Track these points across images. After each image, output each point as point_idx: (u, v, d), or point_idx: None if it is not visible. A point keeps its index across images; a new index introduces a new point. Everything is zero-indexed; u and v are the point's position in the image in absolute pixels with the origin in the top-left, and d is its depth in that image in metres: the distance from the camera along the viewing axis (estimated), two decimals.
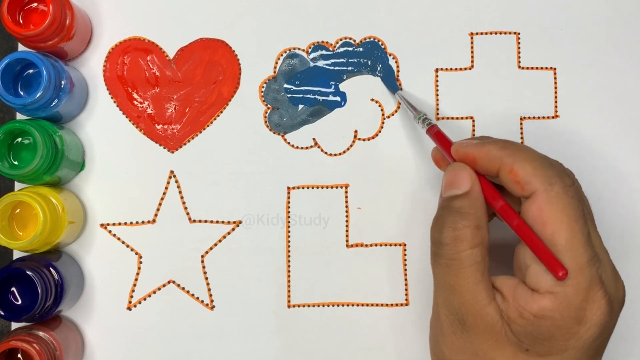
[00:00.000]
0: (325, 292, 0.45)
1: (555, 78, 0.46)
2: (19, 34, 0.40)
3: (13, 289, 0.41)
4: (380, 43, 0.46)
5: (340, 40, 0.46)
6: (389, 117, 0.46)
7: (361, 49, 0.46)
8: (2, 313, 0.39)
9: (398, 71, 0.46)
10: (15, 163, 0.41)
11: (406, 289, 0.45)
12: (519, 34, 0.46)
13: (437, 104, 0.46)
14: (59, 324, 0.42)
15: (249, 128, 0.46)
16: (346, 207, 0.45)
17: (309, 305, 0.45)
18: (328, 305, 0.45)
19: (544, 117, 0.46)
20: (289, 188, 0.45)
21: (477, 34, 0.46)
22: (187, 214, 0.45)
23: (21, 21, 0.42)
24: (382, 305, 0.45)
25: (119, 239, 0.45)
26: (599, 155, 0.46)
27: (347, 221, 0.45)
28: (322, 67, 0.46)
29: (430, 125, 0.41)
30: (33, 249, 0.41)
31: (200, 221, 0.45)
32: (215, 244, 0.45)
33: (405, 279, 0.45)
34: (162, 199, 0.45)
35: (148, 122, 0.46)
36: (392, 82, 0.45)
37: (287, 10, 0.46)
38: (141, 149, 0.45)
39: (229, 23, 0.46)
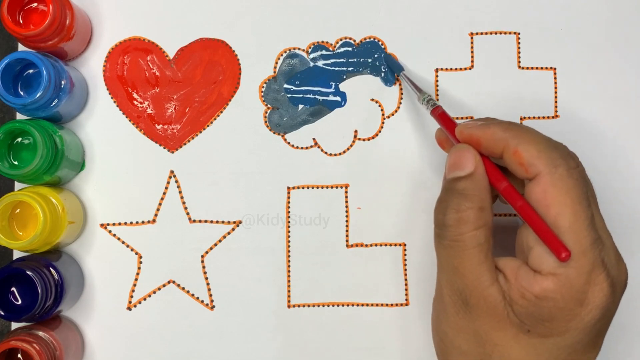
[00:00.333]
0: (325, 292, 0.45)
1: (555, 78, 0.46)
2: (19, 34, 0.40)
3: (13, 289, 0.41)
4: (380, 43, 0.46)
5: (340, 40, 0.46)
6: (389, 117, 0.46)
7: (361, 49, 0.46)
8: (2, 313, 0.39)
9: None
10: (15, 163, 0.41)
11: (406, 289, 0.45)
12: (519, 34, 0.46)
13: None
14: (59, 324, 0.42)
15: (249, 128, 0.46)
16: (346, 207, 0.45)
17: (309, 305, 0.45)
18: (328, 305, 0.45)
19: (544, 117, 0.46)
20: (289, 188, 0.45)
21: (477, 34, 0.46)
22: (187, 214, 0.45)
23: (21, 21, 0.42)
24: (382, 305, 0.45)
25: (119, 239, 0.45)
26: (599, 155, 0.46)
27: (347, 221, 0.45)
28: (322, 67, 0.46)
29: (435, 107, 0.40)
30: (33, 249, 0.41)
31: (200, 221, 0.45)
32: (215, 244, 0.45)
33: (405, 279, 0.45)
34: (162, 199, 0.45)
35: (148, 122, 0.46)
36: (396, 63, 0.45)
37: (287, 10, 0.46)
38: (141, 149, 0.45)
39: (229, 23, 0.46)
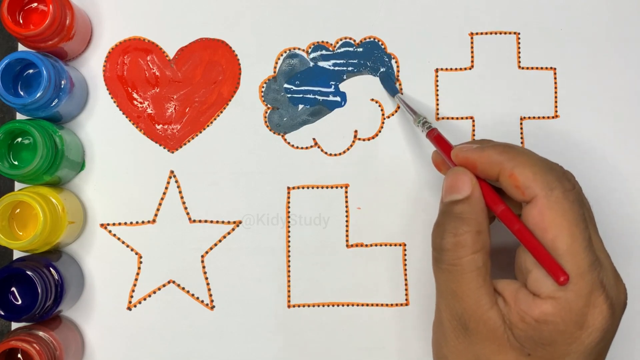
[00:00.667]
0: (325, 292, 0.45)
1: (555, 78, 0.46)
2: (19, 34, 0.40)
3: (13, 289, 0.41)
4: (380, 43, 0.46)
5: (340, 40, 0.46)
6: (389, 117, 0.46)
7: (361, 49, 0.46)
8: (2, 313, 0.39)
9: (398, 71, 0.46)
10: (15, 163, 0.41)
11: (406, 289, 0.45)
12: (519, 34, 0.46)
13: (437, 104, 0.46)
14: (59, 324, 0.42)
15: (249, 128, 0.46)
16: (346, 207, 0.45)
17: (309, 305, 0.45)
18: (328, 305, 0.45)
19: (544, 117, 0.46)
20: (289, 188, 0.45)
21: (477, 34, 0.46)
22: (187, 214, 0.45)
23: (21, 21, 0.42)
24: (382, 305, 0.45)
25: (119, 239, 0.45)
26: (599, 155, 0.46)
27: (347, 221, 0.45)
28: (322, 67, 0.46)
29: (430, 129, 0.40)
30: (33, 249, 0.41)
31: (200, 221, 0.45)
32: (215, 244, 0.45)
33: (405, 279, 0.45)
34: (162, 199, 0.45)
35: (148, 122, 0.46)
36: (391, 85, 0.45)
37: (287, 10, 0.46)
38: (141, 149, 0.45)
39: (229, 23, 0.46)
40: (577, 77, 0.46)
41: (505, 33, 0.46)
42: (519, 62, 0.46)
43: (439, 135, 0.40)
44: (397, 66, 0.46)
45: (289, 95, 0.46)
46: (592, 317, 0.32)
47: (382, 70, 0.46)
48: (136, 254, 0.45)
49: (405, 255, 0.45)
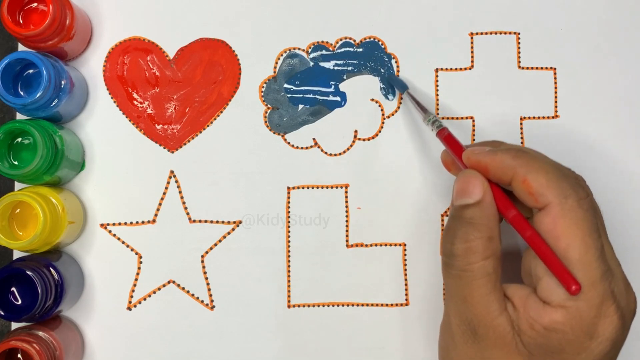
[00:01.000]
0: (325, 292, 0.45)
1: (555, 78, 0.46)
2: (19, 34, 0.40)
3: (13, 289, 0.41)
4: (380, 43, 0.46)
5: (340, 40, 0.46)
6: (389, 117, 0.46)
7: (361, 49, 0.46)
8: (2, 313, 0.39)
9: (398, 71, 0.46)
10: (15, 163, 0.41)
11: (406, 289, 0.45)
12: (519, 34, 0.46)
13: (437, 104, 0.46)
14: (59, 324, 0.42)
15: (249, 128, 0.46)
16: (346, 207, 0.45)
17: (309, 305, 0.45)
18: (328, 305, 0.45)
19: (544, 117, 0.46)
20: (289, 188, 0.45)
21: (477, 34, 0.46)
22: (187, 214, 0.45)
23: (21, 21, 0.42)
24: (382, 305, 0.45)
25: (119, 239, 0.45)
26: (599, 155, 0.46)
27: (347, 221, 0.45)
28: (322, 67, 0.46)
29: (441, 128, 0.40)
30: (33, 249, 0.41)
31: (200, 221, 0.45)
32: (215, 244, 0.45)
33: (405, 279, 0.45)
34: (162, 199, 0.45)
35: (148, 122, 0.46)
36: (400, 81, 0.45)
37: (287, 10, 0.46)
38: (141, 149, 0.45)
39: (229, 23, 0.46)
40: (577, 77, 0.46)
41: (505, 33, 0.46)
42: (519, 62, 0.46)
43: (449, 135, 0.39)
44: (397, 66, 0.46)
45: (289, 95, 0.46)
46: (602, 328, 0.32)
47: (386, 73, 0.46)
48: (136, 254, 0.45)
49: (405, 255, 0.45)
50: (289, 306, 0.45)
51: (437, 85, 0.46)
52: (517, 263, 0.38)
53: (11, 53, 0.40)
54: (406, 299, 0.45)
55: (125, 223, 0.45)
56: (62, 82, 0.41)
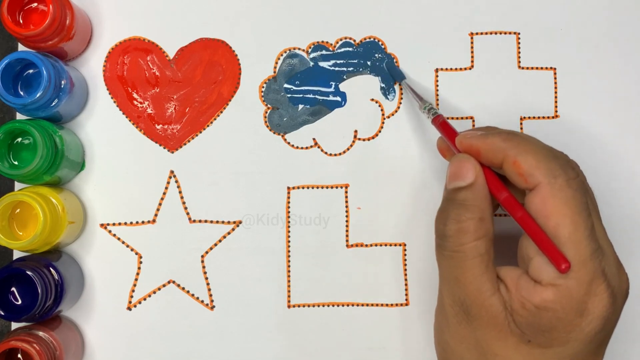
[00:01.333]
0: (325, 292, 0.45)
1: (555, 78, 0.46)
2: (19, 34, 0.40)
3: (13, 289, 0.41)
4: (380, 43, 0.46)
5: (340, 40, 0.46)
6: (389, 117, 0.46)
7: (361, 49, 0.46)
8: (2, 313, 0.39)
9: None
10: (15, 163, 0.41)
11: (406, 289, 0.45)
12: (519, 34, 0.46)
13: (437, 104, 0.46)
14: (59, 324, 0.42)
15: (249, 128, 0.46)
16: (346, 207, 0.45)
17: (309, 305, 0.45)
18: (328, 305, 0.45)
19: (544, 117, 0.46)
20: (289, 188, 0.45)
21: (477, 34, 0.46)
22: (187, 214, 0.45)
23: (21, 21, 0.42)
24: (382, 305, 0.45)
25: (119, 239, 0.45)
26: (599, 155, 0.46)
27: (347, 221, 0.45)
28: (322, 67, 0.46)
29: (436, 115, 0.41)
30: (33, 249, 0.41)
31: (200, 221, 0.45)
32: (215, 244, 0.45)
33: (405, 279, 0.45)
34: (162, 199, 0.45)
35: (148, 122, 0.46)
36: (398, 71, 0.45)
37: (287, 10, 0.46)
38: (141, 149, 0.45)
39: (229, 23, 0.46)
40: (577, 77, 0.46)
41: (505, 33, 0.46)
42: (519, 62, 0.46)
43: (444, 121, 0.40)
44: (397, 66, 0.46)
45: (289, 95, 0.46)
46: (592, 305, 0.32)
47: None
48: (136, 254, 0.45)
49: (405, 255, 0.45)
50: (289, 306, 0.45)
51: (437, 85, 0.46)
52: (513, 250, 0.38)
53: (11, 53, 0.40)
54: (406, 299, 0.45)
55: (125, 223, 0.45)
56: (62, 82, 0.41)
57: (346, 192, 0.45)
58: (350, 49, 0.46)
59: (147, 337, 0.44)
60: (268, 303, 0.45)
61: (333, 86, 0.46)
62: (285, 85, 0.46)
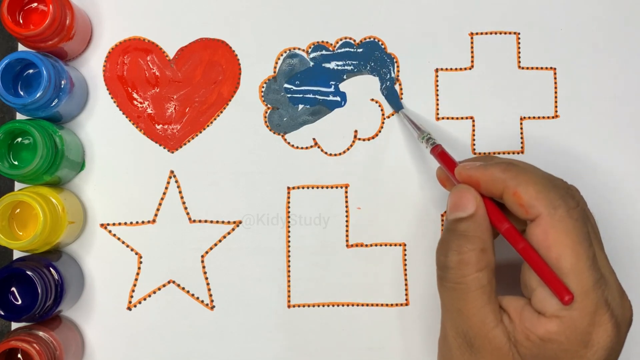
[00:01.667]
0: (325, 292, 0.45)
1: (555, 78, 0.46)
2: (19, 34, 0.40)
3: (13, 289, 0.41)
4: (380, 43, 0.46)
5: (340, 40, 0.46)
6: (389, 117, 0.46)
7: (361, 49, 0.46)
8: (2, 313, 0.39)
9: (398, 71, 0.46)
10: (15, 163, 0.41)
11: (406, 289, 0.45)
12: (519, 34, 0.46)
13: (437, 104, 0.46)
14: (59, 324, 0.42)
15: (249, 128, 0.46)
16: (346, 207, 0.45)
17: (309, 305, 0.45)
18: (328, 305, 0.45)
19: (544, 117, 0.46)
20: (289, 188, 0.45)
21: (477, 34, 0.46)
22: (187, 214, 0.45)
23: (21, 21, 0.42)
24: (382, 305, 0.45)
25: (119, 239, 0.45)
26: (598, 155, 0.46)
27: (347, 221, 0.45)
28: (322, 67, 0.46)
29: (435, 145, 0.41)
30: (33, 249, 0.41)
31: (200, 221, 0.45)
32: (215, 244, 0.45)
33: (405, 279, 0.45)
34: (162, 199, 0.45)
35: (148, 122, 0.46)
36: (396, 101, 0.45)
37: (287, 10, 0.46)
38: (141, 149, 0.45)
39: (229, 23, 0.46)
40: (577, 77, 0.46)
41: (505, 33, 0.46)
42: (519, 62, 0.46)
43: (443, 151, 0.40)
44: (397, 66, 0.46)
45: (289, 95, 0.46)
46: (597, 336, 0.32)
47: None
48: (136, 254, 0.45)
49: (405, 255, 0.45)
50: (289, 306, 0.45)
51: (437, 85, 0.46)
52: (515, 278, 0.38)
53: (11, 53, 0.40)
54: (406, 299, 0.45)
55: (125, 223, 0.45)
56: (62, 82, 0.41)
57: (346, 192, 0.45)
58: (350, 49, 0.46)
59: (147, 337, 0.44)
60: (268, 303, 0.45)
61: (333, 86, 0.46)
62: (285, 85, 0.46)
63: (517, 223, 0.35)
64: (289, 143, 0.46)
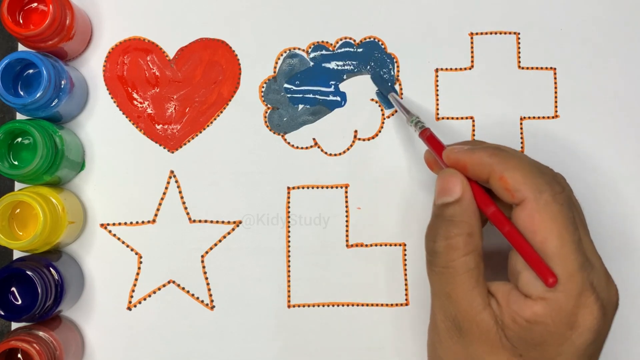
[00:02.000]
0: (325, 292, 0.45)
1: (555, 78, 0.46)
2: (19, 34, 0.40)
3: (13, 289, 0.41)
4: (380, 43, 0.46)
5: (340, 40, 0.46)
6: (388, 117, 0.46)
7: (361, 49, 0.46)
8: (2, 313, 0.39)
9: (398, 71, 0.46)
10: (15, 163, 0.42)
11: (406, 289, 0.45)
12: (519, 34, 0.46)
13: (437, 104, 0.46)
14: (59, 324, 0.42)
15: (249, 128, 0.46)
16: (346, 207, 0.45)
17: (309, 305, 0.45)
18: (328, 305, 0.45)
19: (544, 117, 0.46)
20: (289, 188, 0.45)
21: (477, 34, 0.46)
22: (187, 214, 0.45)
23: (21, 21, 0.42)
24: (382, 305, 0.45)
25: (119, 239, 0.45)
26: (598, 155, 0.46)
27: (347, 221, 0.45)
28: (322, 67, 0.46)
29: (423, 129, 0.41)
30: (33, 249, 0.41)
31: (200, 221, 0.45)
32: (215, 244, 0.45)
33: (405, 279, 0.45)
34: (162, 199, 0.45)
35: (148, 122, 0.46)
36: (384, 84, 0.45)
37: (287, 10, 0.46)
38: (141, 149, 0.45)
39: (229, 23, 0.46)
40: (577, 77, 0.46)
41: (505, 33, 0.46)
42: (519, 62, 0.46)
43: (431, 135, 0.40)
44: (397, 66, 0.46)
45: (289, 95, 0.46)
46: (582, 318, 0.33)
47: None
48: (136, 254, 0.45)
49: (405, 255, 0.45)
50: (289, 306, 0.45)
51: (437, 85, 0.46)
52: (503, 264, 0.38)
53: (11, 53, 0.40)
54: (406, 299, 0.45)
55: (125, 223, 0.45)
56: (62, 82, 0.41)
57: (346, 192, 0.45)
58: (350, 49, 0.46)
59: (147, 337, 0.44)
60: (268, 303, 0.45)
61: (333, 86, 0.46)
62: (285, 85, 0.46)
63: (503, 208, 0.35)
64: (289, 143, 0.46)
